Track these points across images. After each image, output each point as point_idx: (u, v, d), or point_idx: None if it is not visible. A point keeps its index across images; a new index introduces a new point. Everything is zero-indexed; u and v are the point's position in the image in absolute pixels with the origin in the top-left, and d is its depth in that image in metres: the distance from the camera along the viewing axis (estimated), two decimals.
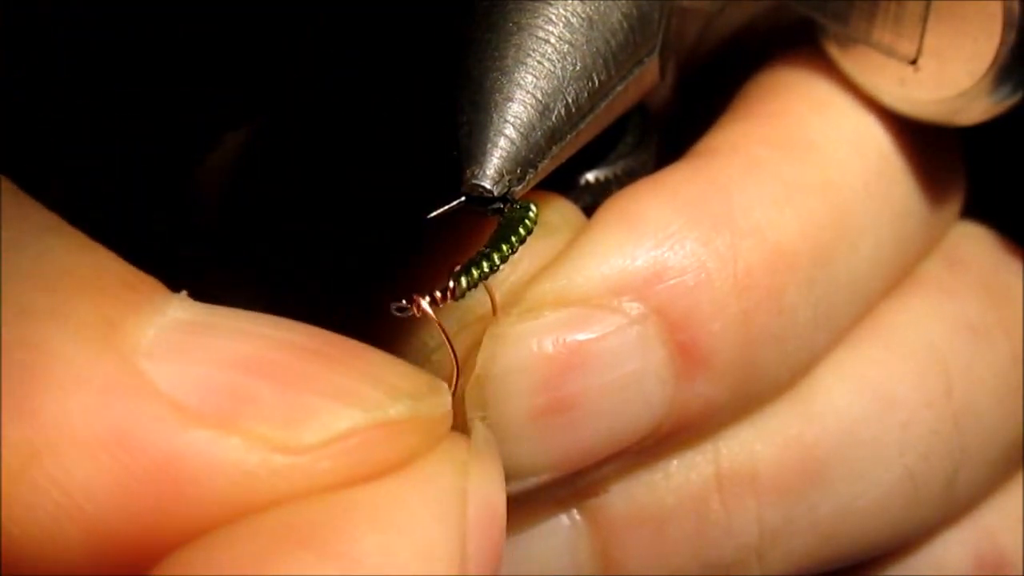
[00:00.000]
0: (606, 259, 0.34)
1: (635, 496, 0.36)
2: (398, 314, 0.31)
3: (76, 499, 0.25)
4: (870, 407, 0.37)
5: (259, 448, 0.26)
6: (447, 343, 0.33)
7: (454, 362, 0.33)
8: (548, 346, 0.33)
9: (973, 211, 0.42)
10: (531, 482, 0.34)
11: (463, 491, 0.28)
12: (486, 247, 0.32)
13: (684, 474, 0.36)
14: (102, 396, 0.26)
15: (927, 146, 0.39)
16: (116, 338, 0.26)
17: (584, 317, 0.34)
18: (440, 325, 0.32)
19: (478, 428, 0.32)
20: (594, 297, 0.34)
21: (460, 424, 0.33)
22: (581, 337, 0.33)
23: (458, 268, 0.31)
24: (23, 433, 0.25)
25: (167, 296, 0.28)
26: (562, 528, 0.36)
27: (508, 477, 0.33)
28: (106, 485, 0.25)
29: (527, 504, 0.36)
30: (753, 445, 0.36)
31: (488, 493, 0.28)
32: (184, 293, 0.28)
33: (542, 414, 0.33)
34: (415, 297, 0.31)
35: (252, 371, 0.27)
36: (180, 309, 0.28)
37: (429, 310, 0.31)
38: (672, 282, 0.34)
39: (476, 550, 0.27)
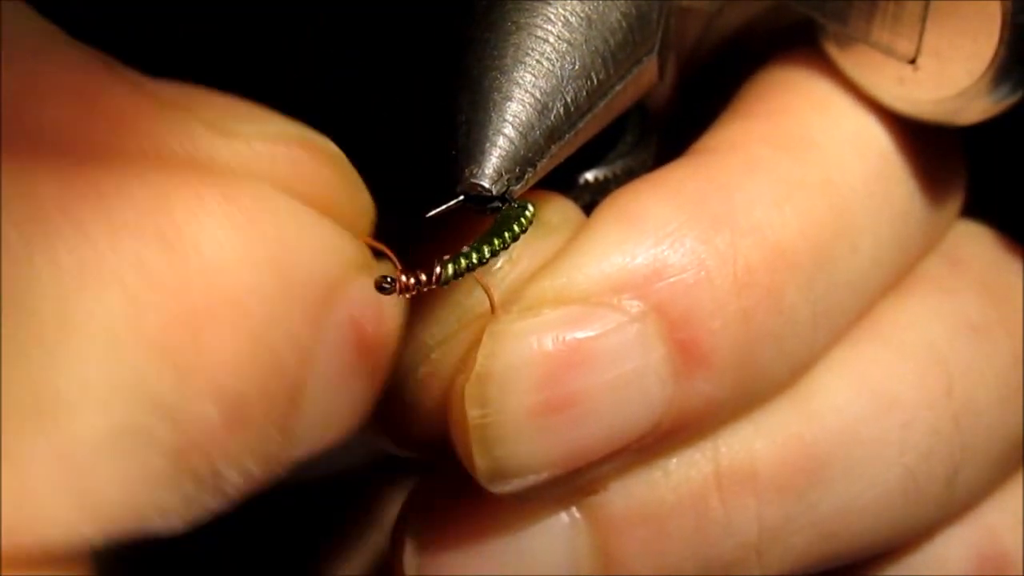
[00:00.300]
0: (606, 257, 0.34)
1: (634, 494, 0.36)
2: (380, 292, 0.31)
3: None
4: (870, 406, 0.37)
5: (204, 128, 0.29)
6: (450, 341, 0.33)
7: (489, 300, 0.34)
8: (548, 344, 0.33)
9: (973, 211, 0.42)
10: (531, 480, 0.34)
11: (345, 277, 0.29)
12: (477, 240, 0.32)
13: (683, 472, 0.36)
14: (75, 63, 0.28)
15: (927, 146, 0.39)
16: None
17: (584, 315, 0.34)
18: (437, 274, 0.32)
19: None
20: (594, 295, 0.34)
21: (462, 425, 0.34)
22: (581, 335, 0.33)
23: (447, 256, 0.32)
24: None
25: None
26: (561, 526, 0.36)
27: (507, 475, 0.34)
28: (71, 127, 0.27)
29: (526, 502, 0.36)
30: (753, 443, 0.36)
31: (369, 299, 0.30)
32: None
33: (542, 412, 0.33)
34: (398, 275, 0.31)
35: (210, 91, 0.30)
36: None
37: (412, 288, 0.31)
38: (672, 280, 0.34)
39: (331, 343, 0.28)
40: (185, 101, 0.29)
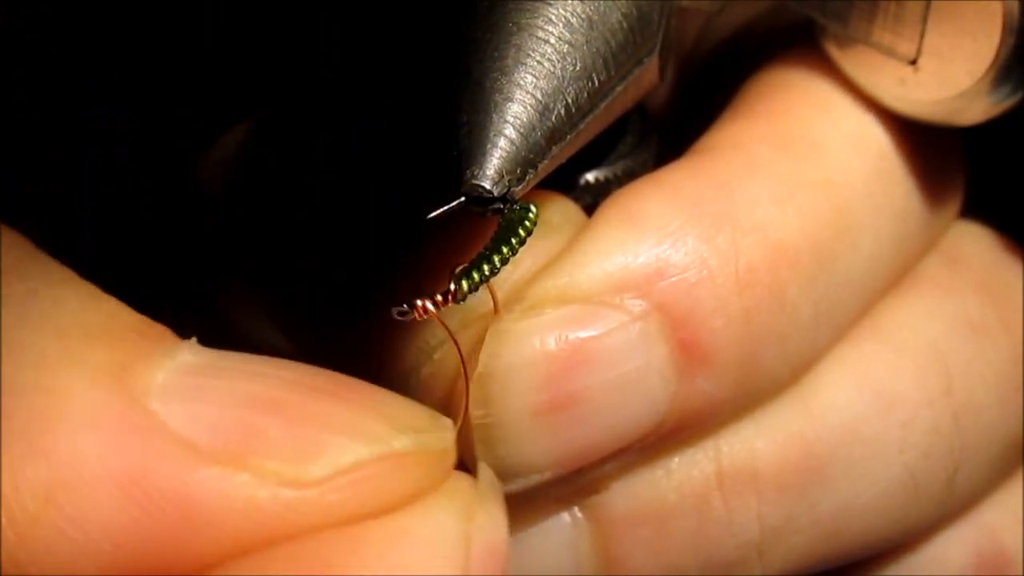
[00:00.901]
0: (608, 256, 0.34)
1: (636, 493, 0.36)
2: (399, 318, 0.31)
3: (93, 538, 0.26)
4: (870, 405, 0.38)
5: (268, 483, 0.27)
6: (452, 343, 0.33)
7: (460, 362, 0.33)
8: (551, 343, 0.33)
9: (973, 211, 0.42)
10: (533, 480, 0.34)
11: (467, 533, 0.28)
12: (486, 249, 0.32)
13: (685, 471, 0.36)
14: (115, 436, 0.26)
15: (926, 146, 0.39)
16: (128, 381, 0.27)
17: (586, 314, 0.34)
18: (447, 328, 0.32)
19: (484, 470, 0.32)
20: (596, 294, 0.34)
21: (467, 425, 0.34)
22: (583, 334, 0.34)
23: (459, 270, 0.31)
24: (38, 473, 0.26)
25: (176, 342, 0.29)
26: (563, 526, 0.36)
27: (510, 475, 0.34)
28: (122, 523, 0.26)
29: (528, 502, 0.36)
30: (754, 442, 0.36)
31: (492, 536, 0.29)
32: (193, 340, 0.29)
33: (545, 411, 0.33)
34: (416, 301, 0.31)
35: (260, 409, 0.28)
36: (189, 353, 0.29)
37: (432, 312, 0.31)
38: (674, 279, 0.34)
39: None
40: (238, 447, 0.27)
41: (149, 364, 0.28)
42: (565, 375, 0.33)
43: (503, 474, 0.34)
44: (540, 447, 0.34)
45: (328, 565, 0.26)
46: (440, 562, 0.28)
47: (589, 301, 0.34)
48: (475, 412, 0.33)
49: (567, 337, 0.33)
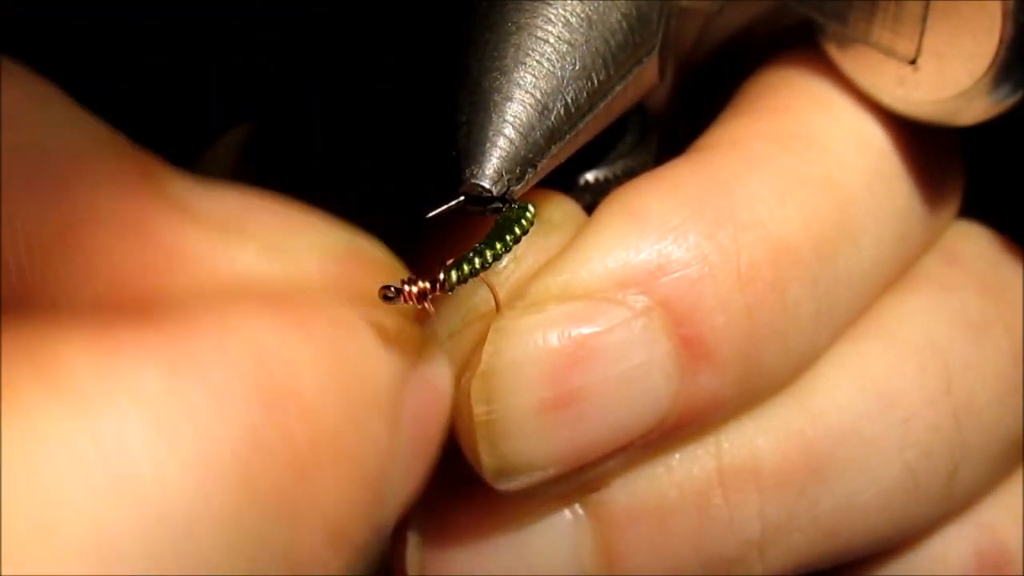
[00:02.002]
0: (609, 252, 0.34)
1: (637, 491, 0.36)
2: (386, 301, 0.31)
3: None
4: (871, 403, 0.38)
5: (254, 248, 0.29)
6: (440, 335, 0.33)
7: (459, 356, 0.34)
8: (553, 340, 0.33)
9: (972, 211, 0.42)
10: (536, 477, 0.34)
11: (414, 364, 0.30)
12: (480, 244, 0.32)
13: (686, 468, 0.36)
14: (125, 190, 0.28)
15: (926, 145, 0.40)
16: (147, 169, 0.29)
17: (589, 310, 0.34)
18: (431, 311, 0.33)
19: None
20: (598, 290, 0.34)
21: (468, 422, 0.34)
22: (586, 330, 0.33)
23: (450, 261, 0.32)
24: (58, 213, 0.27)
25: None
26: (564, 523, 0.36)
27: (513, 472, 0.34)
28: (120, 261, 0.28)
29: (530, 499, 0.36)
30: (755, 440, 0.36)
31: (437, 378, 0.30)
32: None
33: (547, 408, 0.33)
34: (403, 284, 0.31)
35: (253, 203, 0.31)
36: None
37: (412, 294, 0.31)
38: (676, 275, 0.34)
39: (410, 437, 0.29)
40: (231, 222, 0.30)
41: (166, 171, 0.30)
42: (568, 371, 0.33)
43: (506, 472, 0.34)
44: (543, 444, 0.34)
45: (277, 320, 0.26)
46: (378, 367, 0.28)
47: (591, 297, 0.34)
48: (478, 409, 0.33)
49: (570, 333, 0.33)
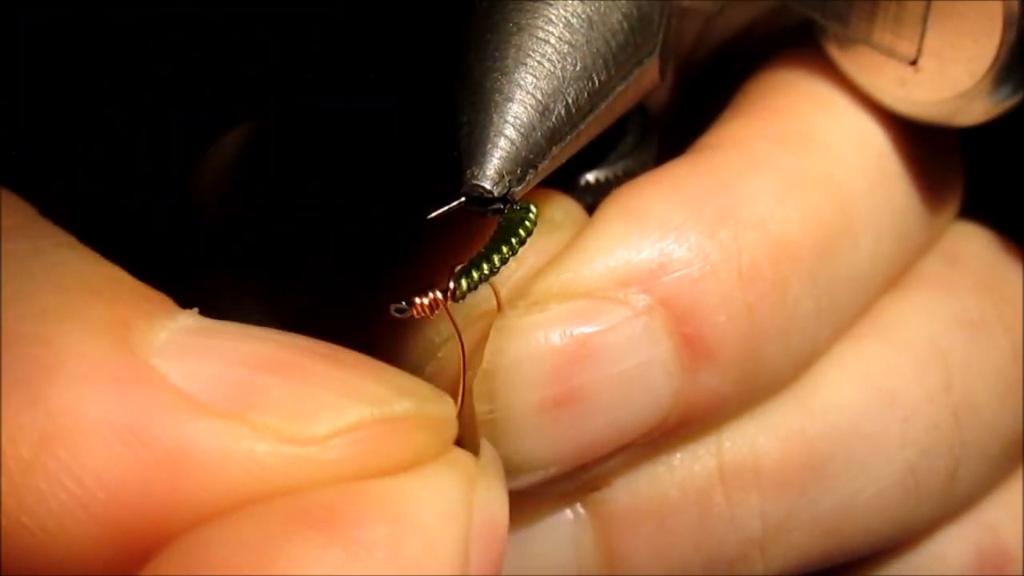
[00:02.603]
0: (611, 251, 0.34)
1: (638, 489, 0.36)
2: (397, 315, 0.31)
3: (88, 487, 0.26)
4: (871, 402, 0.38)
5: (268, 438, 0.27)
6: (456, 334, 0.33)
7: (462, 356, 0.33)
8: (555, 338, 0.33)
9: (972, 211, 0.42)
10: (538, 475, 0.34)
11: (470, 501, 0.28)
12: (486, 248, 0.32)
13: (687, 467, 0.36)
14: (114, 386, 0.26)
15: (926, 146, 0.40)
16: (129, 337, 0.27)
17: (590, 309, 0.34)
18: (453, 321, 0.32)
19: (486, 447, 0.32)
20: (600, 289, 0.34)
21: (470, 420, 0.34)
22: (588, 329, 0.34)
23: (458, 269, 0.31)
24: (35, 420, 0.26)
25: (178, 308, 0.29)
26: (566, 522, 0.36)
27: (515, 471, 0.34)
28: (117, 473, 0.26)
29: (531, 498, 0.36)
30: (756, 439, 0.37)
31: (493, 510, 0.29)
32: (195, 310, 0.29)
33: (549, 407, 0.33)
34: (414, 299, 0.31)
35: (261, 368, 0.28)
36: (191, 319, 0.29)
37: (426, 308, 0.31)
38: (677, 274, 0.34)
39: (478, 562, 0.28)
40: (239, 403, 0.27)
41: (151, 323, 0.28)
42: (570, 370, 0.33)
43: (508, 470, 0.34)
44: (545, 442, 0.34)
45: (327, 515, 0.26)
46: (444, 523, 0.27)
47: (593, 296, 0.34)
48: (480, 408, 0.33)
49: (571, 332, 0.33)
